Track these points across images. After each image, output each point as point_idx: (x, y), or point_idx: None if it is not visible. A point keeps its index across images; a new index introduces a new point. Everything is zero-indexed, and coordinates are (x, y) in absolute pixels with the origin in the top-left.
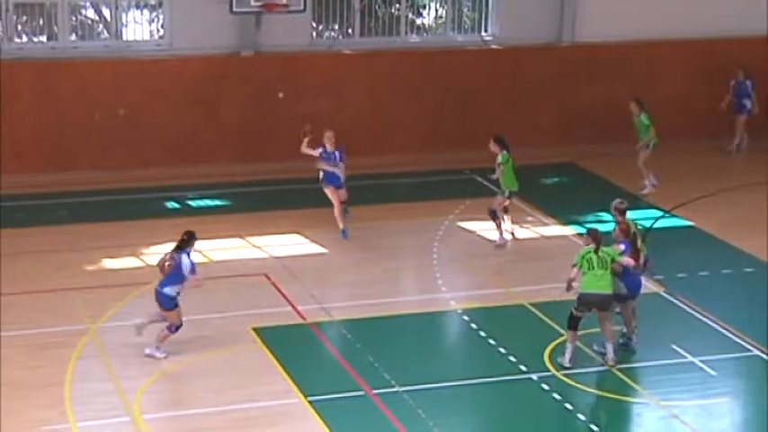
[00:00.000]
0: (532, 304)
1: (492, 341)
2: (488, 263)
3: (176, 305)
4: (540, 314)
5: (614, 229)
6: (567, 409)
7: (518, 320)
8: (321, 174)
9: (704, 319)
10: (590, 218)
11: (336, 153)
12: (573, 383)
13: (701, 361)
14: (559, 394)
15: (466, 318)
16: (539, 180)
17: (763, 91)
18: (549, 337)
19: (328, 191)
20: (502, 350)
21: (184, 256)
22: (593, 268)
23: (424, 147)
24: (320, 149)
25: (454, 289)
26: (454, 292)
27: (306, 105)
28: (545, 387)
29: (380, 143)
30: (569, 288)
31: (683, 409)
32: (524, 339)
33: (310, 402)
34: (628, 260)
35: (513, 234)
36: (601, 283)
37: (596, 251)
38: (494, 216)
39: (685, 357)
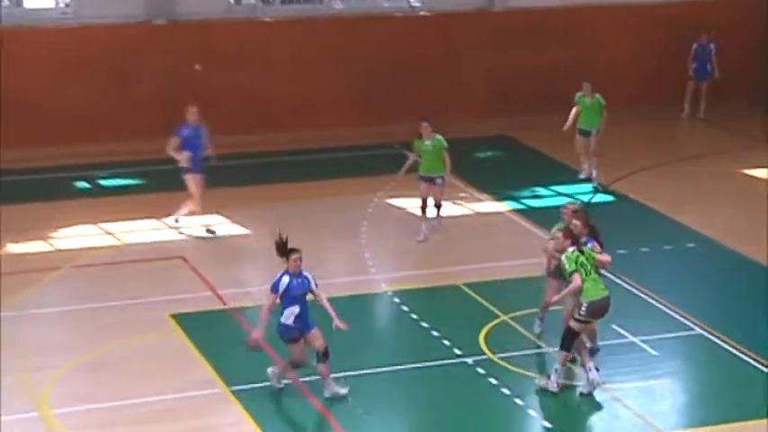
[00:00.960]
0: (467, 285)
1: (425, 324)
2: (419, 243)
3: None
4: (474, 295)
5: (557, 231)
6: (504, 393)
7: (452, 302)
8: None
9: (645, 298)
10: (526, 193)
11: (203, 130)
12: (510, 367)
13: (643, 341)
14: (496, 379)
15: (397, 300)
16: (472, 154)
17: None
18: (484, 319)
19: (191, 178)
20: (435, 333)
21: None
22: (590, 273)
23: (351, 120)
24: (184, 129)
25: (384, 270)
26: (384, 274)
27: (225, 77)
28: (481, 371)
29: (304, 116)
30: (581, 307)
31: (625, 391)
32: (459, 322)
33: (233, 392)
34: (606, 258)
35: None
36: (601, 287)
37: (581, 252)
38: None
39: (626, 337)
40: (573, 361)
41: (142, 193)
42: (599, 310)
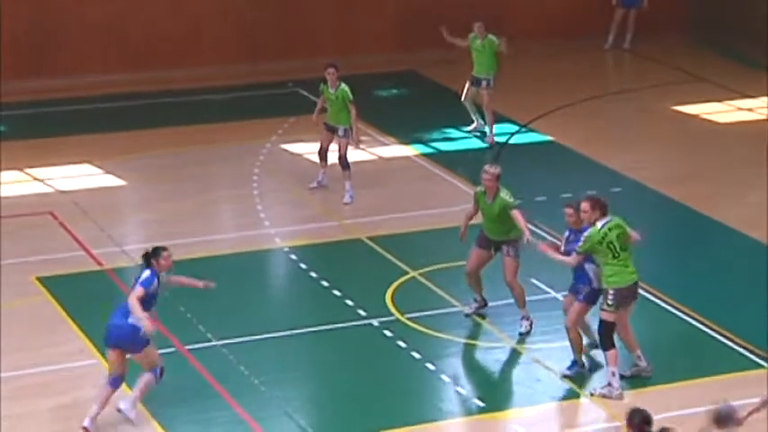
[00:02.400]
0: (371, 238)
1: (325, 283)
2: (318, 192)
3: (147, 341)
4: (379, 249)
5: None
6: (414, 357)
7: (354, 258)
8: None
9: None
10: (435, 135)
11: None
12: (420, 328)
13: (565, 296)
14: (405, 341)
15: (293, 257)
16: (373, 92)
17: None
18: (391, 276)
19: None
20: (337, 293)
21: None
22: (618, 254)
23: (237, 56)
24: None
25: (279, 223)
26: (279, 227)
27: (94, 11)
28: (388, 333)
29: (184, 53)
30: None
31: (546, 352)
32: (363, 280)
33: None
34: (635, 235)
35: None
36: (631, 269)
37: (611, 225)
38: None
39: (547, 293)
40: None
41: (2, 140)
42: (627, 298)
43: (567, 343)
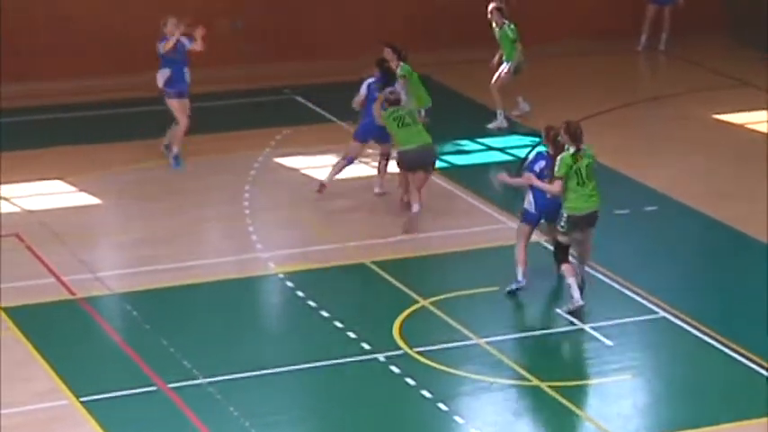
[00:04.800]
0: (376, 263)
1: (325, 313)
2: (317, 211)
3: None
4: (386, 276)
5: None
6: (424, 396)
7: (358, 285)
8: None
9: (596, 275)
10: (449, 147)
11: (186, 42)
12: (431, 364)
13: (594, 328)
14: (414, 378)
15: (290, 284)
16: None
17: None
18: (398, 306)
19: (175, 103)
20: (338, 324)
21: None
22: (583, 182)
23: (228, 59)
24: (169, 40)
25: (273, 246)
26: (273, 251)
27: (66, 9)
28: (395, 370)
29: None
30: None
31: (574, 390)
32: (367, 309)
33: (83, 404)
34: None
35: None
36: (592, 200)
37: (579, 154)
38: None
39: (574, 324)
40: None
41: None
42: (580, 224)
43: (598, 380)
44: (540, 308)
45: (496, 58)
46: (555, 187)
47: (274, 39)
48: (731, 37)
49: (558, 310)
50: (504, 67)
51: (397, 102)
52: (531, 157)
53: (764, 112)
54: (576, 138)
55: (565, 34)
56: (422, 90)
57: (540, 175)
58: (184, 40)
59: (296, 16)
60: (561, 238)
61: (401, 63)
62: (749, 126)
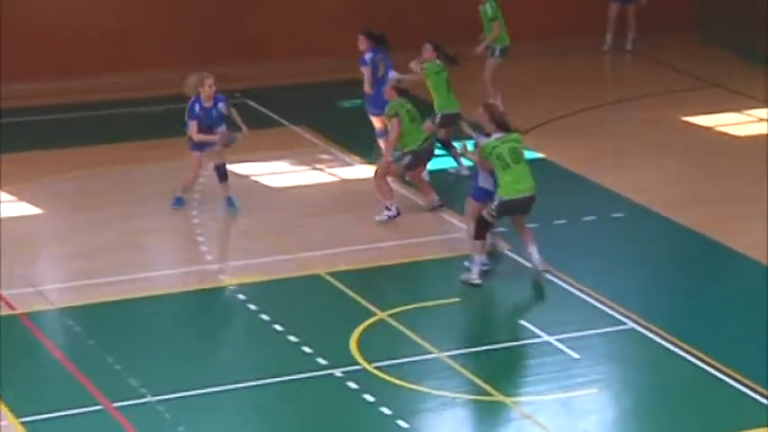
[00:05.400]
0: (332, 274)
1: (278, 327)
2: (269, 220)
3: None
4: (342, 287)
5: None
6: (383, 413)
7: (312, 297)
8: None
9: (562, 285)
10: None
11: (220, 104)
12: (391, 379)
13: (560, 340)
14: (372, 394)
15: (241, 296)
16: (334, 103)
17: None
18: (355, 319)
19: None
20: (292, 338)
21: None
22: (508, 166)
23: (174, 60)
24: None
25: (224, 258)
26: (224, 262)
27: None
28: (352, 386)
29: (111, 59)
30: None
31: (538, 405)
32: (322, 323)
33: (24, 424)
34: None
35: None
36: (524, 184)
37: (501, 139)
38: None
39: (538, 336)
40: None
41: None
42: (511, 209)
43: (564, 395)
44: (503, 319)
45: (482, 46)
46: (476, 159)
47: (223, 37)
48: (700, 35)
49: (462, 277)
50: (482, 48)
51: (405, 91)
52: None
53: (736, 114)
54: (498, 122)
55: (530, 34)
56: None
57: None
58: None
59: (246, 17)
60: (487, 217)
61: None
62: (719, 129)
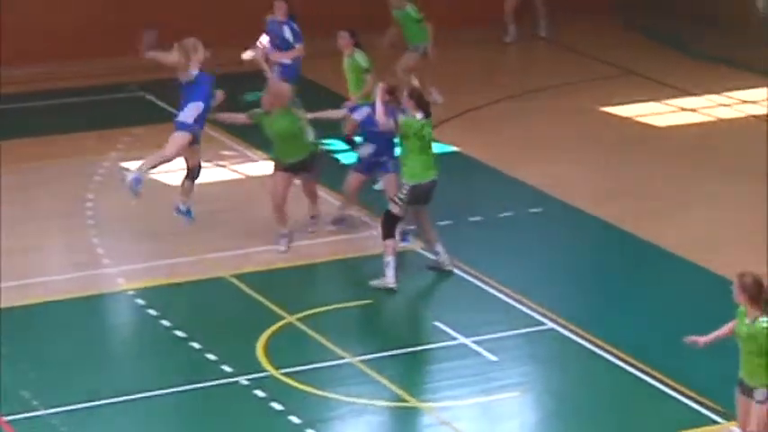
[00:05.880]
0: (236, 277)
1: (180, 333)
2: (170, 221)
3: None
4: (247, 290)
5: None
6: (292, 422)
7: (216, 301)
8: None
9: (478, 284)
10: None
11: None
12: (300, 386)
13: (477, 342)
14: (281, 402)
15: (140, 301)
16: (237, 96)
17: None
18: (262, 323)
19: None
20: (195, 345)
21: None
22: (427, 149)
23: (65, 52)
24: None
25: (121, 260)
26: (122, 265)
27: None
28: (260, 393)
29: None
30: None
31: (456, 411)
32: (227, 328)
33: None
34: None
35: None
36: (432, 171)
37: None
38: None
39: (454, 338)
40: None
41: None
42: (421, 196)
43: (483, 399)
44: (417, 322)
45: (386, 39)
46: (384, 122)
47: (117, 26)
48: (618, 20)
49: (372, 282)
50: (418, 51)
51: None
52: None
53: (655, 104)
54: (420, 104)
55: (443, 24)
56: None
57: (365, 123)
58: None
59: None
60: (394, 210)
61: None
62: (638, 119)
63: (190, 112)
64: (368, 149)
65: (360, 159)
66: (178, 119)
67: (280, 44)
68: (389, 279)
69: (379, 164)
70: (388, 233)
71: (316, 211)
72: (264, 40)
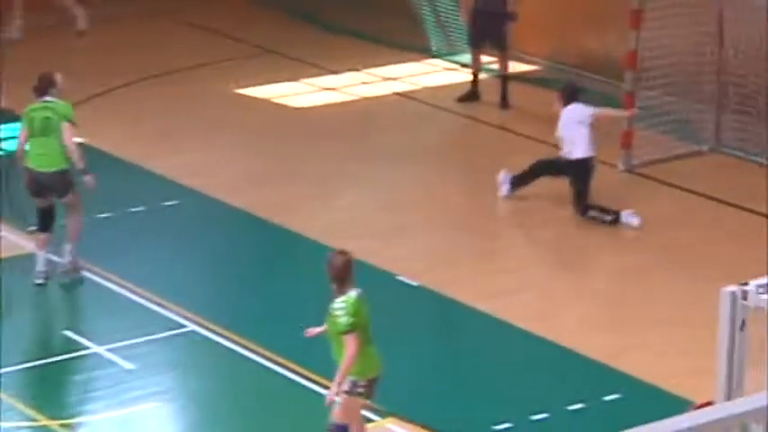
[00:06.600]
0: None
1: None
2: None
3: None
4: None
5: None
6: None
7: None
8: None
9: (110, 287)
10: None
11: None
12: None
13: (111, 350)
14: None
15: None
16: None
17: None
18: None
19: None
20: None
21: None
22: (33, 135)
23: None
24: None
25: None
26: None
27: None
28: None
29: None
30: None
31: (92, 426)
32: None
33: None
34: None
35: None
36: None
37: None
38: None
39: (87, 347)
40: None
41: None
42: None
43: (122, 411)
44: (43, 332)
45: None
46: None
47: None
48: None
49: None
50: None
51: None
52: None
53: (294, 84)
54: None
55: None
56: None
57: None
58: None
59: None
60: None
61: None
62: (276, 100)
63: None
64: None
65: None
66: None
67: None
68: (38, 272)
69: None
70: (43, 227)
71: None
72: None
